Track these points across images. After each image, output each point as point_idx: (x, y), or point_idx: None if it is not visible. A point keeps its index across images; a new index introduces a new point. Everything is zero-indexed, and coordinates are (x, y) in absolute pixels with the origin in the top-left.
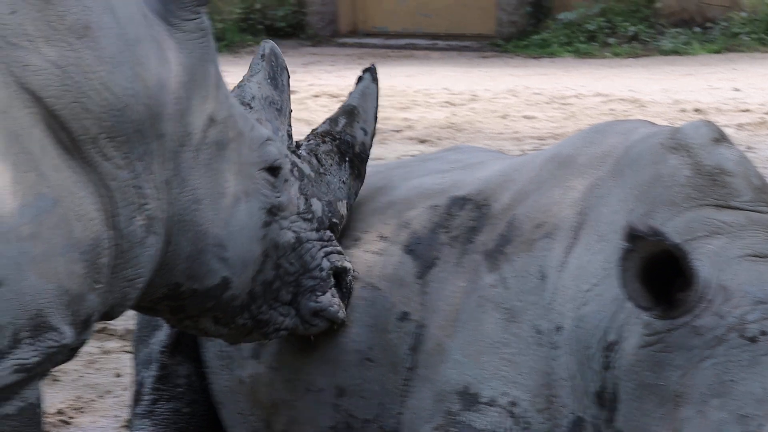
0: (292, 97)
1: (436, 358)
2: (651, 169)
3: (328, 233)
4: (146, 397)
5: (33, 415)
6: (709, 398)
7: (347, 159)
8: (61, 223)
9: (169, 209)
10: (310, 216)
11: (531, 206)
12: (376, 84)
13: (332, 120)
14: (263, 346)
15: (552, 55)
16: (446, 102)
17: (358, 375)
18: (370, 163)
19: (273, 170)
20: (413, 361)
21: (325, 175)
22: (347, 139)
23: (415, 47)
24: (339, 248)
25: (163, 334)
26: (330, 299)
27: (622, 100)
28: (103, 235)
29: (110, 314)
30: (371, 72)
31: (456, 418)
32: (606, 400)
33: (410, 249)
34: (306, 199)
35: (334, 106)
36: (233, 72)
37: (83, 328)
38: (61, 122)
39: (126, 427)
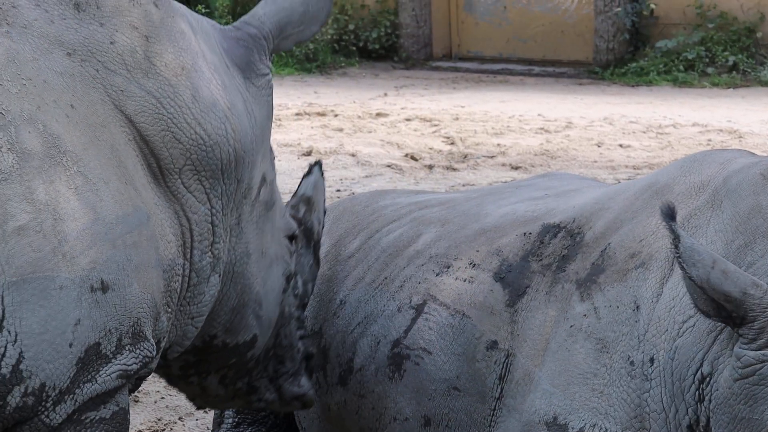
0: (384, 119)
1: (525, 388)
2: (750, 199)
3: (303, 314)
4: (229, 420)
5: (123, 420)
6: None
7: (311, 244)
8: (153, 238)
9: (227, 256)
10: (297, 292)
11: (625, 235)
12: (323, 178)
13: (293, 206)
14: (350, 373)
15: (649, 83)
16: (540, 129)
17: (445, 404)
18: (463, 187)
19: (291, 239)
20: (501, 390)
21: (300, 255)
22: (309, 226)
23: (510, 72)
24: (307, 332)
25: None
26: (308, 384)
27: (720, 130)
28: (178, 260)
29: (167, 354)
30: (319, 166)
31: None
32: None
33: (501, 277)
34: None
35: (426, 131)
36: (325, 93)
37: (156, 350)
38: (151, 148)
39: None
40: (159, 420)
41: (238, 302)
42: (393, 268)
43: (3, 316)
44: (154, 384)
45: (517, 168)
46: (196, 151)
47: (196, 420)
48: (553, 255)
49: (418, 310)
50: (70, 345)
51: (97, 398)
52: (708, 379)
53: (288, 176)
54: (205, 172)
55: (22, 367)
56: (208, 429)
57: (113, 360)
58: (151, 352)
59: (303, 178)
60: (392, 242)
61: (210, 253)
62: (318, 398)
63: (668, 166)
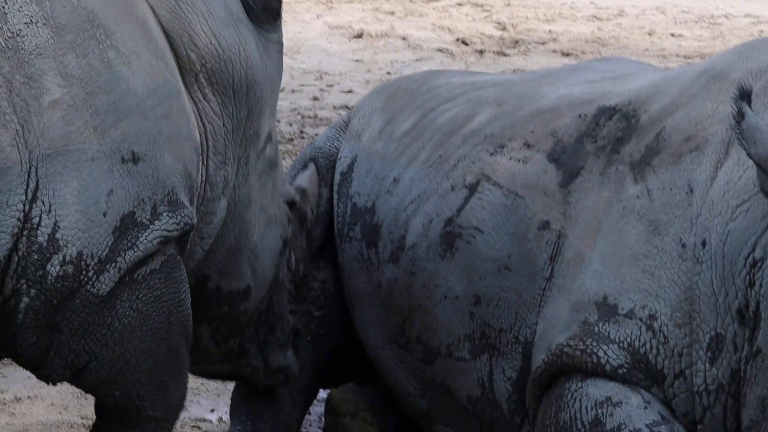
0: (435, 4)
1: (575, 269)
2: None
3: (293, 290)
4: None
5: (175, 263)
6: None
7: (304, 229)
8: (183, 112)
9: (232, 191)
10: (290, 266)
11: (681, 119)
12: (319, 175)
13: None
14: (402, 251)
15: None
16: (592, 16)
17: (496, 283)
18: (516, 71)
19: (290, 205)
20: (552, 270)
21: (294, 236)
22: (303, 213)
23: None
24: (296, 308)
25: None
26: (293, 358)
27: None
28: (199, 157)
29: None
30: (314, 161)
31: (593, 329)
32: (748, 317)
33: (555, 158)
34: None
35: (477, 16)
36: None
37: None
38: (171, 42)
39: None
40: None
41: (234, 245)
42: (447, 147)
43: (37, 187)
44: None
45: (567, 55)
46: (210, 60)
47: None
48: (608, 137)
49: (472, 189)
50: (105, 214)
51: (140, 262)
52: (760, 263)
53: (339, 58)
54: (218, 85)
55: (57, 236)
56: None
57: (151, 226)
58: (191, 218)
59: (299, 173)
60: (447, 121)
61: (223, 170)
62: (369, 275)
63: (725, 52)
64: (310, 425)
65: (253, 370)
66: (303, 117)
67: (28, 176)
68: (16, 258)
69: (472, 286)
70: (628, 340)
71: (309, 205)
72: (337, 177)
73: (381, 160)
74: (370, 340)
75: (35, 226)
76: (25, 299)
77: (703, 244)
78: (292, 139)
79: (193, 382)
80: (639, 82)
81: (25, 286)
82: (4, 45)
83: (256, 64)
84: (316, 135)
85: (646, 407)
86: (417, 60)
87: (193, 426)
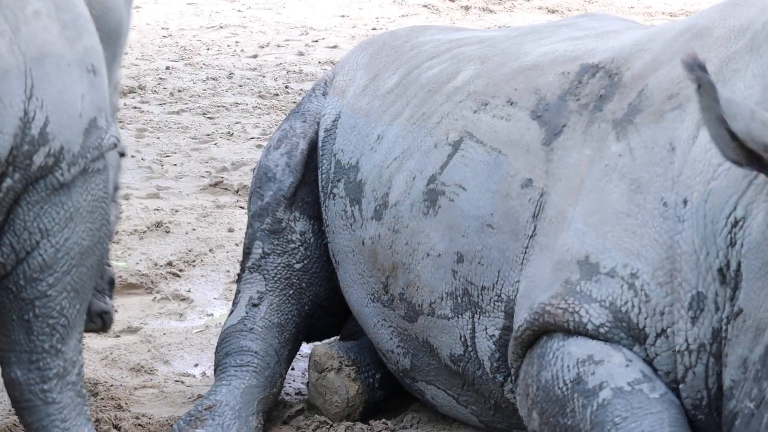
0: None
1: (558, 227)
2: None
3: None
4: (257, 251)
5: (107, 173)
6: None
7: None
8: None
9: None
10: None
11: (663, 77)
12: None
13: None
14: (385, 208)
15: None
16: None
17: (479, 241)
18: (502, 27)
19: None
20: (534, 228)
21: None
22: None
23: None
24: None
25: (278, 186)
26: (111, 303)
27: None
28: None
29: None
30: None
31: (574, 288)
32: (729, 277)
33: (538, 115)
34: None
35: None
36: None
37: None
38: None
39: (236, 281)
40: (190, 251)
41: None
42: (431, 104)
43: (33, 84)
44: (186, 215)
45: (554, 11)
46: (97, 7)
47: (227, 252)
48: (591, 95)
49: (455, 146)
50: (80, 115)
51: (97, 159)
52: (741, 223)
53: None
54: (100, 31)
55: (47, 130)
56: (238, 261)
57: (108, 131)
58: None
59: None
60: (431, 78)
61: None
62: (352, 232)
63: (708, 9)
64: (294, 380)
65: None
66: (288, 72)
67: (25, 77)
68: (14, 150)
69: (454, 243)
70: (610, 298)
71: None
72: (322, 133)
73: (365, 116)
74: (353, 297)
75: (30, 120)
76: (9, 181)
77: (685, 202)
78: (277, 94)
79: (177, 336)
80: (622, 40)
81: (11, 170)
82: None
83: (123, 14)
84: (302, 90)
85: (627, 365)
86: (402, 16)
87: (176, 381)
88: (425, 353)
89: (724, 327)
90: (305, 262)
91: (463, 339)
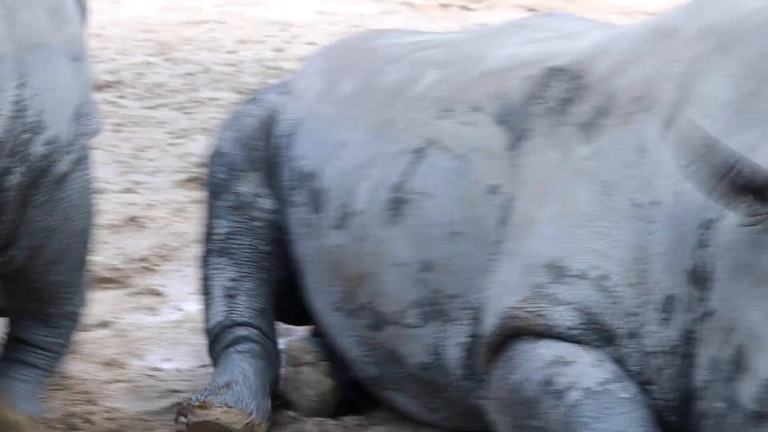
0: None
1: (526, 232)
2: (761, 44)
3: None
4: (219, 230)
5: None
6: None
7: None
8: None
9: None
10: None
11: (630, 78)
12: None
13: None
14: (349, 217)
15: None
16: None
17: (445, 249)
18: (469, 28)
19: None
20: (502, 234)
21: None
22: None
23: None
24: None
25: (230, 160)
26: None
27: None
28: None
29: None
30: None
31: (544, 291)
32: (700, 278)
33: (503, 120)
34: None
35: None
36: None
37: None
38: None
39: (201, 265)
40: (164, 246)
41: None
42: (393, 110)
43: (26, 72)
44: (161, 210)
45: (533, 10)
46: None
47: None
48: (556, 98)
49: (419, 153)
50: (70, 103)
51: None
52: (712, 224)
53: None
54: None
55: (42, 118)
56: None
57: (93, 119)
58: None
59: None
60: (392, 83)
61: None
62: (315, 241)
63: (674, 9)
64: None
65: None
66: (266, 68)
67: (19, 65)
68: (11, 138)
69: (421, 252)
70: (580, 301)
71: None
72: (283, 140)
73: (326, 123)
74: (318, 306)
75: (26, 108)
76: (17, 176)
77: (656, 204)
78: (254, 90)
79: (150, 331)
80: (587, 41)
81: (16, 162)
82: None
83: None
84: None
85: (598, 366)
86: (381, 13)
87: (149, 375)
88: (393, 362)
89: (695, 328)
90: (274, 245)
91: (431, 347)
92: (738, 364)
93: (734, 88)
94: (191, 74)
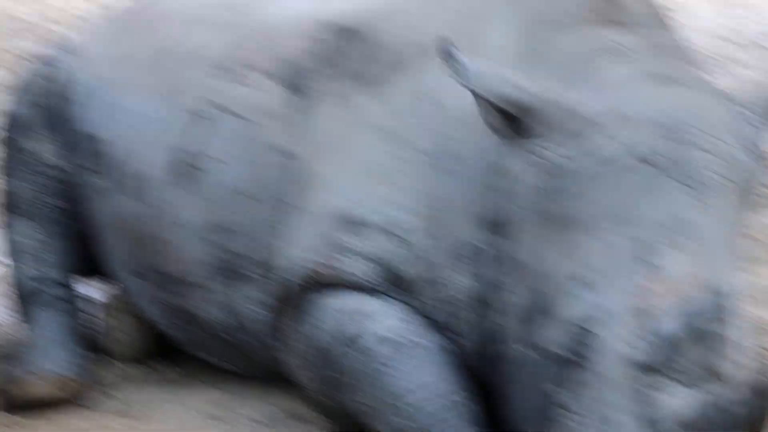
0: None
1: (315, 188)
2: None
3: None
4: (18, 190)
5: None
6: (606, 223)
7: None
8: None
9: None
10: None
11: (410, 29)
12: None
13: None
14: (135, 181)
15: None
16: None
17: (236, 211)
18: None
19: None
20: (291, 193)
21: None
22: None
23: None
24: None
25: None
26: None
27: None
28: None
29: None
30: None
31: (337, 243)
32: (494, 226)
33: (281, 78)
34: None
35: None
36: None
37: None
38: None
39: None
40: None
41: None
42: (176, 73)
43: None
44: None
45: None
46: None
47: None
48: (336, 54)
49: (203, 116)
50: None
51: None
52: (505, 172)
53: None
54: None
55: None
56: None
57: None
58: None
59: None
60: (173, 45)
61: None
62: (103, 205)
63: None
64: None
65: None
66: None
67: None
68: None
69: (212, 215)
70: (373, 251)
71: None
72: (70, 102)
73: (110, 85)
74: (113, 267)
75: None
76: None
77: (444, 152)
78: None
79: None
80: None
81: None
82: None
83: None
84: None
85: (391, 315)
86: None
87: None
88: (195, 326)
89: (494, 275)
90: (69, 203)
91: (225, 307)
92: (537, 308)
93: (512, 29)
94: None
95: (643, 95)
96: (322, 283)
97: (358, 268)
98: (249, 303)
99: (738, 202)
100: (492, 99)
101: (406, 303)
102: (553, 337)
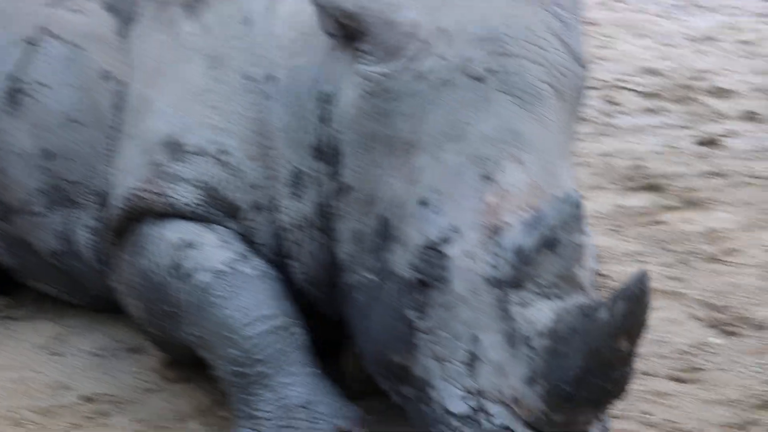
0: None
1: (142, 114)
2: None
3: None
4: None
5: None
6: (443, 143)
7: None
8: None
9: None
10: None
11: None
12: None
13: None
14: None
15: None
16: None
17: (65, 137)
18: None
19: None
20: (118, 119)
21: None
22: None
23: None
24: None
25: None
26: None
27: None
28: None
29: None
30: None
31: (162, 170)
32: (326, 153)
33: (109, 5)
34: None
35: None
36: None
37: None
38: None
39: None
40: None
41: None
42: (10, 1)
43: None
44: None
45: None
46: None
47: None
48: None
49: (31, 42)
50: None
51: None
52: (331, 98)
53: None
54: None
55: None
56: None
57: None
58: None
59: None
60: None
61: None
62: None
63: None
64: None
65: None
66: None
67: None
68: None
69: (41, 140)
70: (200, 177)
71: None
72: None
73: None
74: None
75: None
76: None
77: (270, 78)
78: None
79: None
80: None
81: None
82: None
83: None
84: None
85: (222, 245)
86: None
87: None
88: (27, 252)
89: (330, 203)
90: None
91: (60, 235)
92: (384, 235)
93: None
94: None
95: (459, 6)
96: (154, 211)
97: (185, 196)
98: (79, 230)
99: (568, 109)
100: (327, 5)
101: (240, 233)
102: (405, 262)
